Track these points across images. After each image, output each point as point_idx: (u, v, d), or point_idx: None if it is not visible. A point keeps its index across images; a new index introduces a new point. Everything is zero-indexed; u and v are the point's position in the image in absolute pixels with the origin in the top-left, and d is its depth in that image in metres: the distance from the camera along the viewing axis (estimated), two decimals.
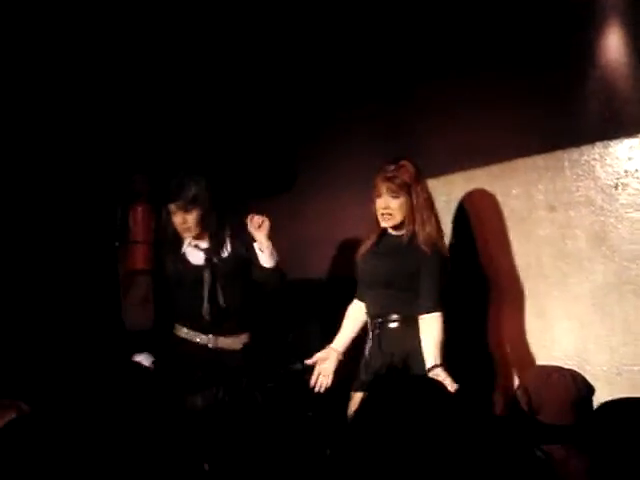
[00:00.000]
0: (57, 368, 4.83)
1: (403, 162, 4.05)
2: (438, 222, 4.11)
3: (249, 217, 4.29)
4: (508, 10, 4.40)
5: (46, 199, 5.08)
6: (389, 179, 4.02)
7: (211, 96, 5.26)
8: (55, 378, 4.74)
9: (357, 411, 2.22)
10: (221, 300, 4.35)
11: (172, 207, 4.37)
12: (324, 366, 4.17)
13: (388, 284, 4.05)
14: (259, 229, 4.27)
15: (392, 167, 4.04)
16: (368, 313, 4.17)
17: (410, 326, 4.00)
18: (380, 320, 4.08)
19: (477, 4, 4.47)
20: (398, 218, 4.05)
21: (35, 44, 4.79)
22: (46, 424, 2.23)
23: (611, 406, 2.48)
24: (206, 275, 4.37)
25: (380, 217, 4.08)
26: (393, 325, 4.05)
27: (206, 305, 4.36)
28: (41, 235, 5.06)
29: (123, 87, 5.13)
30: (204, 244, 4.42)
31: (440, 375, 3.71)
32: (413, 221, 4.03)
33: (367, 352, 4.12)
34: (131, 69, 5.08)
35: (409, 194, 4.02)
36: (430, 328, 3.93)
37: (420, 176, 4.06)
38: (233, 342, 4.39)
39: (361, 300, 4.26)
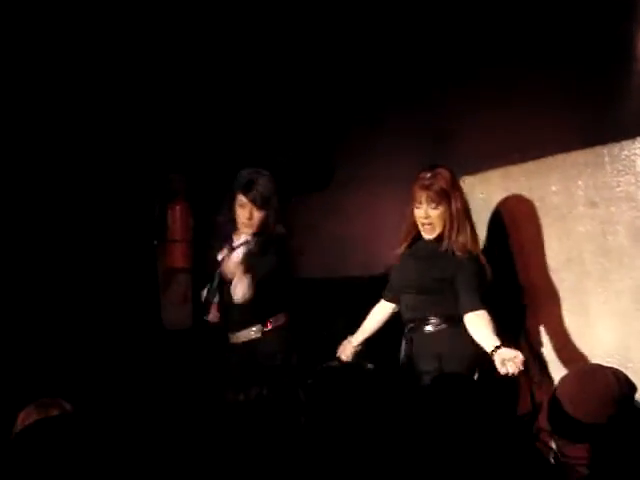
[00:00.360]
0: (97, 366, 4.88)
1: (439, 169, 4.05)
2: (473, 229, 4.13)
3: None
4: (546, 7, 4.36)
5: (86, 199, 5.13)
6: (427, 187, 4.02)
7: (249, 94, 5.28)
8: (95, 376, 4.80)
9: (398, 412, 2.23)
10: (227, 297, 4.31)
11: (242, 199, 4.26)
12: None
13: (421, 289, 4.08)
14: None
15: (429, 174, 4.05)
16: (402, 316, 4.21)
17: (444, 330, 4.04)
18: (413, 325, 4.12)
19: (515, 2, 4.44)
20: (438, 228, 4.07)
21: (69, 48, 4.84)
22: (86, 422, 2.25)
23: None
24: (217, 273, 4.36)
25: (421, 227, 4.10)
26: (427, 328, 4.07)
27: (216, 300, 4.38)
28: (82, 234, 5.11)
29: (162, 89, 5.16)
30: (237, 241, 4.40)
31: (505, 353, 3.72)
32: (449, 229, 4.04)
33: (402, 355, 4.16)
34: (169, 70, 5.11)
35: (448, 202, 4.03)
36: (478, 321, 3.92)
37: (456, 183, 4.08)
38: (254, 332, 4.39)
39: (389, 301, 4.34)
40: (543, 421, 2.81)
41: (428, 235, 4.09)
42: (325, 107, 5.24)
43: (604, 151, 4.25)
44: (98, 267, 5.15)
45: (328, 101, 5.23)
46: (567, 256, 4.42)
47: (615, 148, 4.22)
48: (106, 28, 4.80)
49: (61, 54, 4.85)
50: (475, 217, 4.26)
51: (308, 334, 4.56)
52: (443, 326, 4.05)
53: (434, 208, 4.04)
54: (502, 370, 3.71)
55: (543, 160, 4.46)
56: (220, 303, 4.38)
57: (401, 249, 4.20)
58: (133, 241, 5.29)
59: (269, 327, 4.39)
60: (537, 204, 4.50)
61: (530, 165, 4.51)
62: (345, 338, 4.45)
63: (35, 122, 4.95)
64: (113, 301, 5.14)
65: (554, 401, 2.81)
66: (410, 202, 4.11)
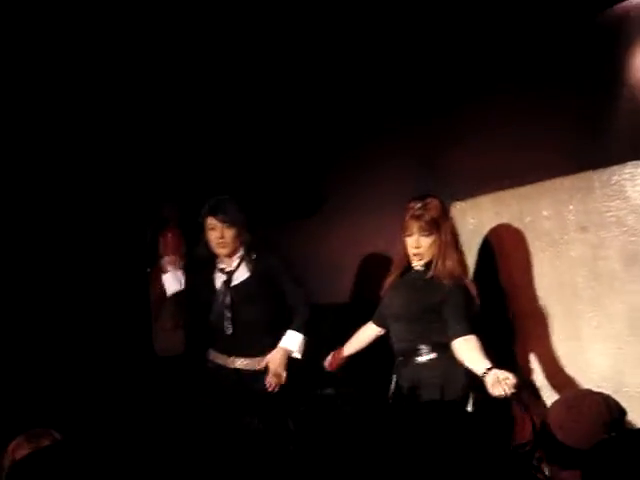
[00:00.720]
0: (89, 394, 4.85)
1: (429, 199, 4.08)
2: (462, 256, 4.16)
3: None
4: (536, 32, 4.39)
5: (79, 226, 5.13)
6: (419, 217, 4.04)
7: (239, 122, 5.29)
8: (87, 404, 4.77)
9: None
10: (237, 322, 4.39)
11: (212, 222, 4.39)
12: None
13: (411, 318, 4.09)
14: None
15: (419, 204, 4.06)
16: (393, 347, 4.21)
17: (434, 360, 4.04)
18: (402, 358, 4.13)
19: (504, 27, 4.46)
20: (428, 256, 4.09)
21: (63, 73, 4.84)
22: (77, 452, 2.23)
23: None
24: (227, 298, 4.41)
25: (411, 256, 4.12)
26: (418, 359, 4.06)
27: (224, 327, 4.39)
28: (74, 261, 5.11)
29: (153, 118, 5.17)
30: (229, 267, 4.44)
31: (498, 374, 3.68)
32: (437, 257, 4.06)
33: (393, 387, 4.15)
34: (161, 97, 5.12)
35: (438, 232, 4.05)
36: (467, 346, 3.91)
37: (447, 212, 4.13)
38: (252, 363, 4.39)
39: (377, 325, 4.35)
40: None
41: (417, 263, 4.11)
42: (314, 138, 5.26)
43: (594, 176, 4.27)
44: (90, 294, 5.15)
45: (316, 132, 5.25)
46: (559, 280, 4.42)
47: (605, 173, 4.23)
48: (90, 55, 4.80)
49: (45, 79, 4.85)
50: (466, 242, 4.27)
51: (299, 360, 4.55)
52: (433, 355, 4.04)
53: (426, 236, 4.05)
54: (494, 392, 3.66)
55: (534, 185, 4.47)
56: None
57: (391, 278, 4.22)
58: (125, 268, 5.28)
59: None
60: (528, 229, 4.51)
61: (521, 190, 4.52)
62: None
63: (27, 148, 4.96)
64: (105, 328, 5.13)
65: (544, 427, 2.80)
66: (400, 232, 4.13)
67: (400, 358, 4.14)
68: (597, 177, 4.25)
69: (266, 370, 4.36)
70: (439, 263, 4.04)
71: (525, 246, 4.50)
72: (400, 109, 4.96)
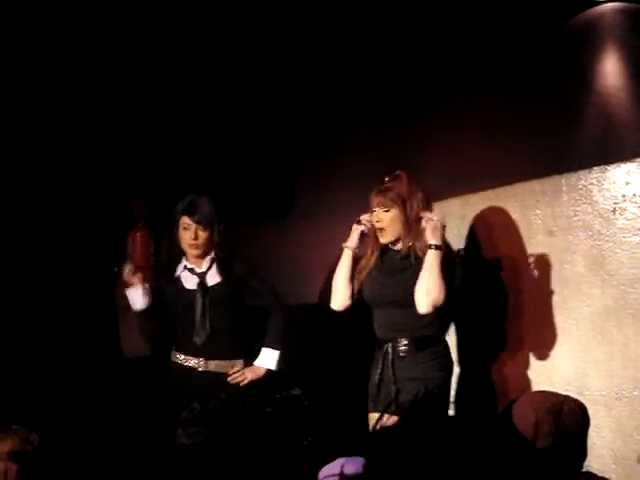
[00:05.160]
0: (55, 395, 4.82)
1: (399, 172, 4.04)
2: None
3: None
4: (505, 37, 4.42)
5: (46, 224, 5.08)
6: (381, 192, 4.02)
7: (209, 121, 5.28)
8: (53, 405, 4.73)
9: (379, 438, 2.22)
10: (212, 324, 4.34)
11: (186, 221, 4.34)
12: None
13: (394, 302, 4.03)
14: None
15: (387, 179, 4.04)
16: (376, 334, 4.14)
17: (422, 348, 4.00)
18: (391, 344, 4.04)
19: (474, 33, 4.49)
20: (390, 232, 4.04)
21: (39, 68, 4.81)
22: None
23: None
24: (198, 299, 4.36)
25: (377, 232, 4.08)
26: (404, 348, 4.01)
27: (198, 329, 4.35)
28: (40, 260, 5.06)
29: (122, 113, 5.15)
30: (199, 268, 4.41)
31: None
32: (408, 234, 4.02)
33: (378, 375, 4.06)
34: (130, 94, 5.10)
35: (403, 207, 4.00)
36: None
37: (416, 188, 4.04)
38: (225, 366, 4.37)
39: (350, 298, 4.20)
40: None
41: (382, 239, 4.06)
42: (286, 138, 5.25)
43: (562, 180, 4.30)
44: (56, 293, 5.10)
45: (289, 131, 5.25)
46: (525, 284, 4.44)
47: (572, 177, 4.27)
48: (84, 49, 4.78)
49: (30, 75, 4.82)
50: None
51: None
52: (422, 344, 4.00)
53: (385, 211, 4.01)
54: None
55: (501, 189, 4.50)
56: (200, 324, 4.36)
57: (369, 264, 4.14)
58: (93, 267, 5.24)
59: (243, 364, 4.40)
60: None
61: (489, 193, 4.55)
62: (305, 366, 4.43)
63: None
64: (71, 328, 5.09)
65: (512, 429, 2.80)
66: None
67: (387, 345, 4.05)
68: (564, 181, 4.29)
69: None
70: (413, 242, 4.01)
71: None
72: (369, 112, 4.99)
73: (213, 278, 4.39)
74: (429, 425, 2.22)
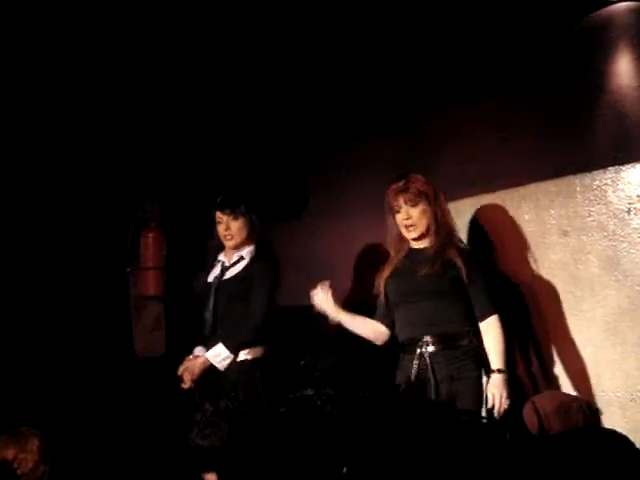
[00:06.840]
0: (68, 394, 4.83)
1: (411, 175, 4.06)
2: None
3: None
4: (519, 38, 4.42)
5: (60, 224, 5.09)
6: (403, 191, 4.02)
7: (223, 123, 5.29)
8: (66, 404, 4.74)
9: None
10: (221, 318, 4.39)
11: (219, 215, 4.45)
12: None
13: (422, 300, 3.98)
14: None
15: (402, 181, 4.05)
16: (401, 335, 4.09)
17: (452, 346, 3.96)
18: (419, 343, 3.97)
19: (488, 35, 4.49)
20: (421, 226, 4.03)
21: (53, 69, 4.83)
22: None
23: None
24: (211, 293, 4.43)
25: (404, 231, 4.06)
26: (432, 348, 3.96)
27: (207, 322, 4.40)
28: (54, 260, 5.08)
29: (135, 115, 5.16)
30: (228, 262, 4.47)
31: (496, 385, 3.84)
32: (437, 230, 4.02)
33: (402, 376, 4.01)
34: (143, 95, 5.11)
35: (427, 202, 4.01)
36: (489, 331, 3.93)
37: (431, 185, 4.06)
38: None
39: (383, 323, 4.18)
40: None
41: (411, 235, 4.04)
42: (299, 138, 5.26)
43: (576, 181, 4.29)
44: (70, 293, 5.11)
45: (302, 131, 5.25)
46: (539, 284, 4.43)
47: (586, 178, 4.26)
48: (94, 55, 4.80)
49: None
50: None
51: (280, 362, 4.54)
52: (452, 342, 3.96)
53: (413, 206, 4.01)
54: (488, 393, 3.87)
55: (515, 189, 4.49)
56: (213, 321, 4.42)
57: (392, 265, 4.12)
58: (106, 268, 5.25)
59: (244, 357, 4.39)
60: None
61: (503, 194, 4.54)
62: (316, 367, 4.42)
63: (5, 145, 4.93)
64: (85, 328, 5.10)
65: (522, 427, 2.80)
66: (388, 215, 4.10)
67: (413, 345, 3.98)
68: (579, 181, 4.28)
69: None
70: (445, 239, 4.00)
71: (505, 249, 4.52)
72: (385, 112, 4.98)
73: (234, 271, 4.44)
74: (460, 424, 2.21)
